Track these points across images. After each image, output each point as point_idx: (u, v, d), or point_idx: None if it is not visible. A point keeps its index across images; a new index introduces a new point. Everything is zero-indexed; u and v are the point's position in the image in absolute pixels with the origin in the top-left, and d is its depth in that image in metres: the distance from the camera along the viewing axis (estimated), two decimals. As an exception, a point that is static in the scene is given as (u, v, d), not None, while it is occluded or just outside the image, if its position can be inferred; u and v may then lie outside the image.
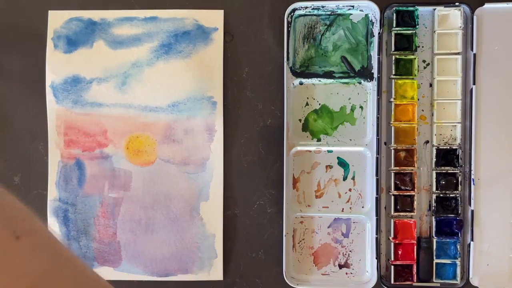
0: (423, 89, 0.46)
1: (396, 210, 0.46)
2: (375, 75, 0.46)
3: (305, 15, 0.46)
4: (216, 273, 0.47)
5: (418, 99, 0.46)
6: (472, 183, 0.45)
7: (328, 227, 0.47)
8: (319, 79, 0.47)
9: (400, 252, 0.45)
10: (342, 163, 0.47)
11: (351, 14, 0.46)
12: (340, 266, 0.47)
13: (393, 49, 0.45)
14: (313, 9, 0.46)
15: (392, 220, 0.46)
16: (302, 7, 0.46)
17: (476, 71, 0.45)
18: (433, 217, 0.45)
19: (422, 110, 0.46)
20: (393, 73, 0.45)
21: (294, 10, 0.46)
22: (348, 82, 0.46)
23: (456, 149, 0.45)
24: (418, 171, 0.46)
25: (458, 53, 0.45)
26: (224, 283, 0.47)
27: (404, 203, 0.45)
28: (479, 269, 0.45)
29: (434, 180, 0.45)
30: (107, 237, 0.47)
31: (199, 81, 0.46)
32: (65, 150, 0.47)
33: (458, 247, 0.45)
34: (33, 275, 0.25)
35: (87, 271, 0.28)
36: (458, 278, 0.45)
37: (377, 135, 0.45)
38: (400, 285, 0.45)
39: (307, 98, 0.47)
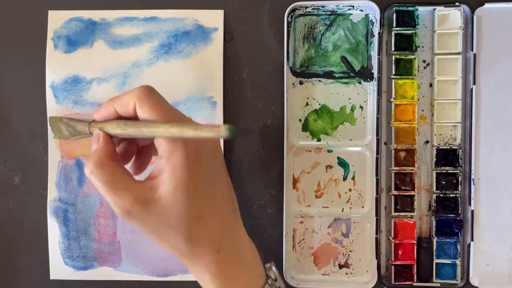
0: (423, 89, 0.46)
1: (396, 210, 0.46)
2: (375, 75, 0.46)
3: (305, 15, 0.46)
4: (216, 273, 0.47)
5: (418, 99, 0.46)
6: (472, 183, 0.45)
7: (328, 227, 0.47)
8: (319, 79, 0.47)
9: (400, 252, 0.45)
10: (342, 163, 0.47)
11: (351, 14, 0.46)
12: (340, 266, 0.47)
13: (393, 49, 0.45)
14: (313, 9, 0.46)
15: (392, 220, 0.46)
16: (302, 7, 0.46)
17: (476, 71, 0.45)
18: (433, 217, 0.45)
19: (422, 110, 0.46)
20: (393, 73, 0.45)
21: (294, 10, 0.46)
22: (348, 82, 0.46)
23: (456, 149, 0.45)
24: (418, 171, 0.46)
25: (458, 53, 0.45)
26: (224, 283, 0.47)
27: (404, 203, 0.45)
28: (479, 269, 0.45)
29: (434, 180, 0.45)
30: (107, 237, 0.47)
31: (199, 81, 0.46)
32: (65, 150, 0.47)
33: (458, 247, 0.45)
34: None
35: None
36: (458, 278, 0.45)
37: (377, 135, 0.45)
38: (400, 285, 0.45)
39: (307, 98, 0.47)
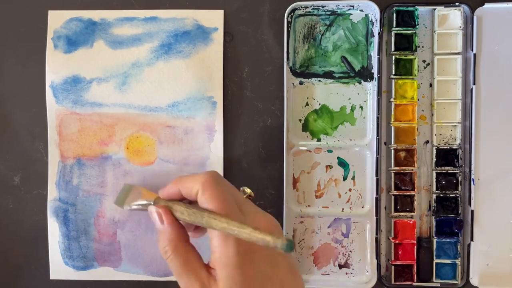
0: (423, 89, 0.46)
1: (396, 210, 0.46)
2: (375, 75, 0.46)
3: (305, 15, 0.46)
4: (216, 273, 0.47)
5: (418, 99, 0.46)
6: (472, 183, 0.45)
7: (328, 227, 0.47)
8: (319, 79, 0.47)
9: (400, 252, 0.45)
10: (342, 163, 0.47)
11: (351, 14, 0.46)
12: (340, 266, 0.47)
13: (393, 49, 0.45)
14: (313, 9, 0.46)
15: (392, 220, 0.46)
16: (302, 7, 0.46)
17: (476, 71, 0.45)
18: (433, 217, 0.45)
19: (422, 110, 0.46)
20: (393, 73, 0.45)
21: (294, 10, 0.46)
22: (348, 82, 0.46)
23: (456, 149, 0.45)
24: (418, 171, 0.46)
25: (458, 53, 0.45)
26: (224, 283, 0.47)
27: (404, 203, 0.45)
28: (479, 269, 0.45)
29: (434, 180, 0.45)
30: (107, 237, 0.47)
31: (199, 81, 0.46)
32: (65, 150, 0.47)
33: (458, 247, 0.45)
34: None
35: None
36: (458, 278, 0.45)
37: (377, 135, 0.45)
38: (400, 285, 0.45)
39: (307, 98, 0.47)
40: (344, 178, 0.47)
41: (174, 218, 0.36)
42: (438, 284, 0.46)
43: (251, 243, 0.32)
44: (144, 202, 0.38)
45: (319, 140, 0.47)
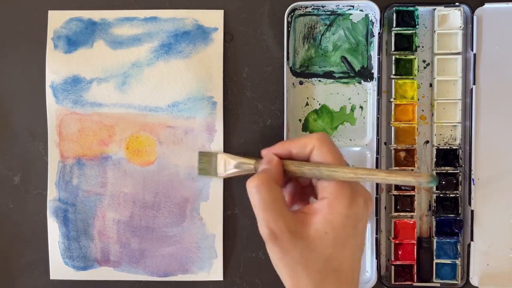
0: (423, 89, 0.46)
1: (396, 210, 0.46)
2: (375, 75, 0.46)
3: (305, 15, 0.46)
4: (216, 273, 0.47)
5: (418, 99, 0.46)
6: (472, 183, 0.45)
7: (328, 227, 0.47)
8: (319, 79, 0.47)
9: (400, 252, 0.45)
10: (342, 163, 0.47)
11: (351, 14, 0.46)
12: (340, 266, 0.47)
13: (393, 49, 0.45)
14: (313, 9, 0.46)
15: (392, 220, 0.46)
16: (302, 7, 0.46)
17: (476, 71, 0.45)
18: (433, 217, 0.45)
19: (422, 110, 0.46)
20: (393, 73, 0.45)
21: (294, 10, 0.46)
22: (348, 82, 0.46)
23: (456, 149, 0.45)
24: (418, 171, 0.46)
25: (458, 53, 0.45)
26: (224, 283, 0.47)
27: (404, 203, 0.45)
28: (479, 269, 0.45)
29: (434, 180, 0.45)
30: (107, 237, 0.47)
31: (199, 81, 0.46)
32: (65, 150, 0.47)
33: (458, 247, 0.45)
34: None
35: None
36: (458, 278, 0.45)
37: (377, 135, 0.45)
38: (400, 285, 0.45)
39: (307, 98, 0.47)
40: (344, 178, 0.47)
41: (281, 162, 0.36)
42: (438, 284, 0.46)
43: (358, 200, 0.33)
44: (246, 164, 0.38)
45: (319, 140, 0.47)
